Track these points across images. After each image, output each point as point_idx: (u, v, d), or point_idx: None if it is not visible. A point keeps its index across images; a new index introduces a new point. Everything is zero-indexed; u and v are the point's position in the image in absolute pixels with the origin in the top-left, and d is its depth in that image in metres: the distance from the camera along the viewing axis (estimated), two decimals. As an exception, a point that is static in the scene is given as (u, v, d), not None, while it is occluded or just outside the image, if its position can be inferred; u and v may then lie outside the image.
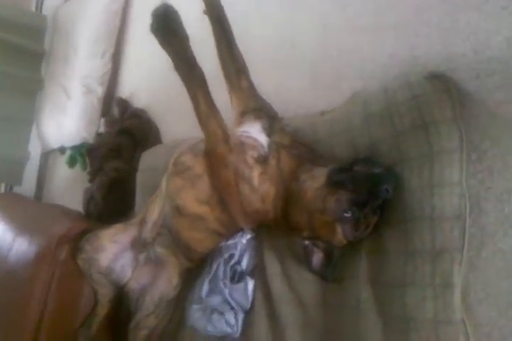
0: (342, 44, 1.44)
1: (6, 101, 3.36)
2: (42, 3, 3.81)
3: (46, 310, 1.44)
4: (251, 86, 1.36)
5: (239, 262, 1.32)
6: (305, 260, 1.16)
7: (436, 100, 1.00)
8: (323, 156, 1.22)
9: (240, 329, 1.26)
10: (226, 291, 1.28)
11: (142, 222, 1.45)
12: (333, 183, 1.04)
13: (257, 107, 1.33)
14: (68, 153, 2.93)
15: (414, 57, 1.20)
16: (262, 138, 1.23)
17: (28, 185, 3.49)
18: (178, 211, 1.29)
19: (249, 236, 1.34)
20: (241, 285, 1.28)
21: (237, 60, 1.34)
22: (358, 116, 1.15)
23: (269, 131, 1.25)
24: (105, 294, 1.47)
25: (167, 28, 0.97)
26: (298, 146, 1.25)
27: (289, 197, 1.15)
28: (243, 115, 1.33)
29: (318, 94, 1.48)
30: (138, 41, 2.75)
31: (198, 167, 1.24)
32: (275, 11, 1.76)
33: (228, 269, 1.31)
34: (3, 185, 3.70)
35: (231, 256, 1.33)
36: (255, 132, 1.24)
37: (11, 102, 3.40)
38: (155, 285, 1.43)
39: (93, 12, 2.90)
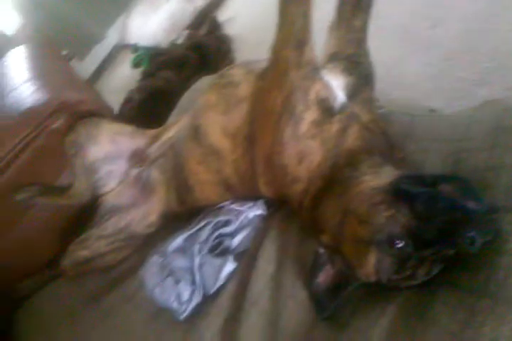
0: (500, 40, 1.07)
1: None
2: None
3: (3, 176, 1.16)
4: (363, 30, 1.01)
5: (231, 235, 1.03)
6: (308, 272, 0.83)
7: None
8: (404, 158, 0.89)
9: (187, 313, 0.95)
10: (197, 260, 0.99)
11: (156, 137, 1.18)
12: (398, 192, 0.70)
13: (354, 58, 0.99)
14: (139, 52, 2.73)
15: None
16: (340, 94, 0.91)
17: (86, 67, 3.31)
18: (196, 134, 1.03)
19: (260, 211, 1.04)
20: (218, 261, 0.98)
21: None
22: (484, 125, 0.81)
23: (352, 95, 0.92)
24: (79, 192, 1.19)
25: None
26: (376, 131, 0.91)
27: (332, 182, 0.84)
28: (332, 59, 1.00)
29: (440, 91, 1.12)
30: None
31: (244, 87, 0.96)
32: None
33: (214, 235, 1.02)
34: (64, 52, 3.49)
35: (227, 223, 1.04)
36: (335, 85, 0.91)
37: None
38: (129, 211, 1.18)
39: None
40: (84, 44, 3.25)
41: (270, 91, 0.89)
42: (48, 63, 1.70)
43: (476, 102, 0.93)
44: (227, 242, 1.02)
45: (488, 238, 0.64)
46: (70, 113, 1.19)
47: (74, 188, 1.18)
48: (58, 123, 1.17)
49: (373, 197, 0.73)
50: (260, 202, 1.05)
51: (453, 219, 0.63)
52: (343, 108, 0.90)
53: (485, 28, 1.17)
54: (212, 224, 1.04)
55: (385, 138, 0.92)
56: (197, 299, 0.95)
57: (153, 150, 1.16)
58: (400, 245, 0.66)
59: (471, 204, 0.64)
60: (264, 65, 0.95)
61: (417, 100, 1.13)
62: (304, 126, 0.86)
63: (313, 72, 0.87)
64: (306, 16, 0.84)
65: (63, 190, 1.19)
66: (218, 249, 1.01)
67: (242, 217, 1.03)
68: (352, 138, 0.88)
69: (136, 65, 2.65)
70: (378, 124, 0.94)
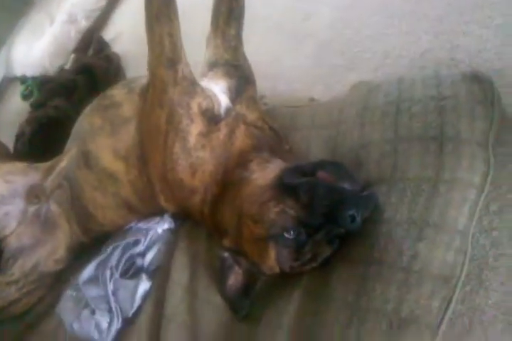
0: (364, 26, 1.15)
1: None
2: None
3: None
4: (238, 37, 1.05)
5: (142, 254, 1.01)
6: (218, 277, 0.84)
7: (469, 110, 0.71)
8: (291, 149, 0.93)
9: (109, 339, 0.92)
10: (110, 285, 0.96)
11: (50, 169, 1.12)
12: (283, 187, 0.73)
13: (232, 62, 1.03)
14: (27, 83, 2.58)
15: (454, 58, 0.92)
16: (223, 99, 0.92)
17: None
18: (87, 160, 1.01)
19: (167, 225, 1.02)
20: (132, 283, 0.96)
21: (236, 1, 1.03)
22: (353, 107, 0.86)
23: (235, 97, 0.95)
24: None
25: None
26: (263, 127, 0.95)
27: (226, 186, 0.85)
28: (212, 67, 1.03)
29: (318, 79, 1.17)
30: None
31: (128, 107, 0.95)
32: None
33: (125, 257, 0.99)
34: None
35: (135, 243, 1.01)
36: (217, 90, 0.94)
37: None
38: (34, 251, 1.10)
39: None
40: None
41: (153, 111, 0.89)
42: None
43: (349, 86, 0.98)
44: (139, 262, 1.00)
45: (366, 214, 0.69)
46: None
47: None
48: None
49: (262, 196, 0.76)
50: (166, 216, 1.03)
51: (333, 202, 0.67)
52: (229, 111, 0.93)
53: (351, 16, 1.24)
54: (121, 247, 1.01)
55: (273, 133, 0.96)
56: (116, 325, 0.93)
57: (49, 183, 1.10)
58: (294, 235, 0.70)
59: (346, 186, 0.70)
60: (144, 82, 0.94)
61: (300, 91, 1.18)
62: (192, 139, 0.87)
63: (192, 86, 0.88)
64: (172, 36, 0.86)
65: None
66: (131, 271, 0.99)
67: (150, 234, 1.01)
68: (240, 139, 0.91)
69: (25, 96, 2.50)
70: (265, 120, 0.98)
